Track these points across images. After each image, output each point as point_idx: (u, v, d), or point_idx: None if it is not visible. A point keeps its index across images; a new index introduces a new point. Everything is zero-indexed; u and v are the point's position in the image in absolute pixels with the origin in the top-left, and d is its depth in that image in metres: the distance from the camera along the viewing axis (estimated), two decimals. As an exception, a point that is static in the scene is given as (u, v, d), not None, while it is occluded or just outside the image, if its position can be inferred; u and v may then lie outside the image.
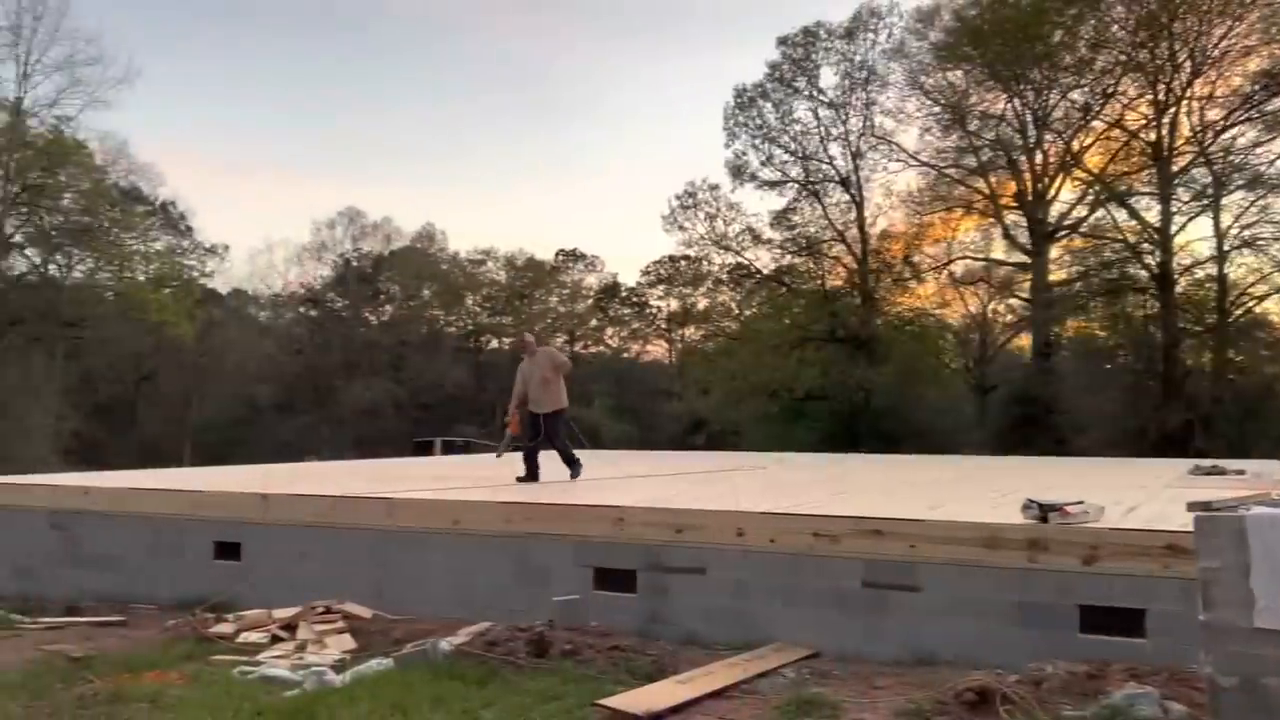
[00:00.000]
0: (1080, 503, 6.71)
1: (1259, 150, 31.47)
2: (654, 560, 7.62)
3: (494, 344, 58.56)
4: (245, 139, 73.74)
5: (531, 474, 11.14)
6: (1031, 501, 6.80)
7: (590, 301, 60.50)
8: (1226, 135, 32.11)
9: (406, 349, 53.50)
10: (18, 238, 38.00)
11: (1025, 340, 40.58)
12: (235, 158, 74.16)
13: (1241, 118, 31.76)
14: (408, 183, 75.86)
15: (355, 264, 56.01)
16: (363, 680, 6.21)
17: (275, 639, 7.64)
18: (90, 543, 10.24)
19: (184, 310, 39.47)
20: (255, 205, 74.30)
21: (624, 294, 61.41)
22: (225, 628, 7.90)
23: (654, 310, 61.41)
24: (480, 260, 58.44)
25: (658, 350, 62.80)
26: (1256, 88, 31.21)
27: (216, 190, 73.96)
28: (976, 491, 9.86)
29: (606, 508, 8.02)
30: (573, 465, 11.22)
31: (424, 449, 27.57)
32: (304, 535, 9.15)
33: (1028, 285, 37.76)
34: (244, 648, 7.45)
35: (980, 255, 40.39)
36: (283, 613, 8.03)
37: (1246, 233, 31.61)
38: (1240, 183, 31.37)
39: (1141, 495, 9.11)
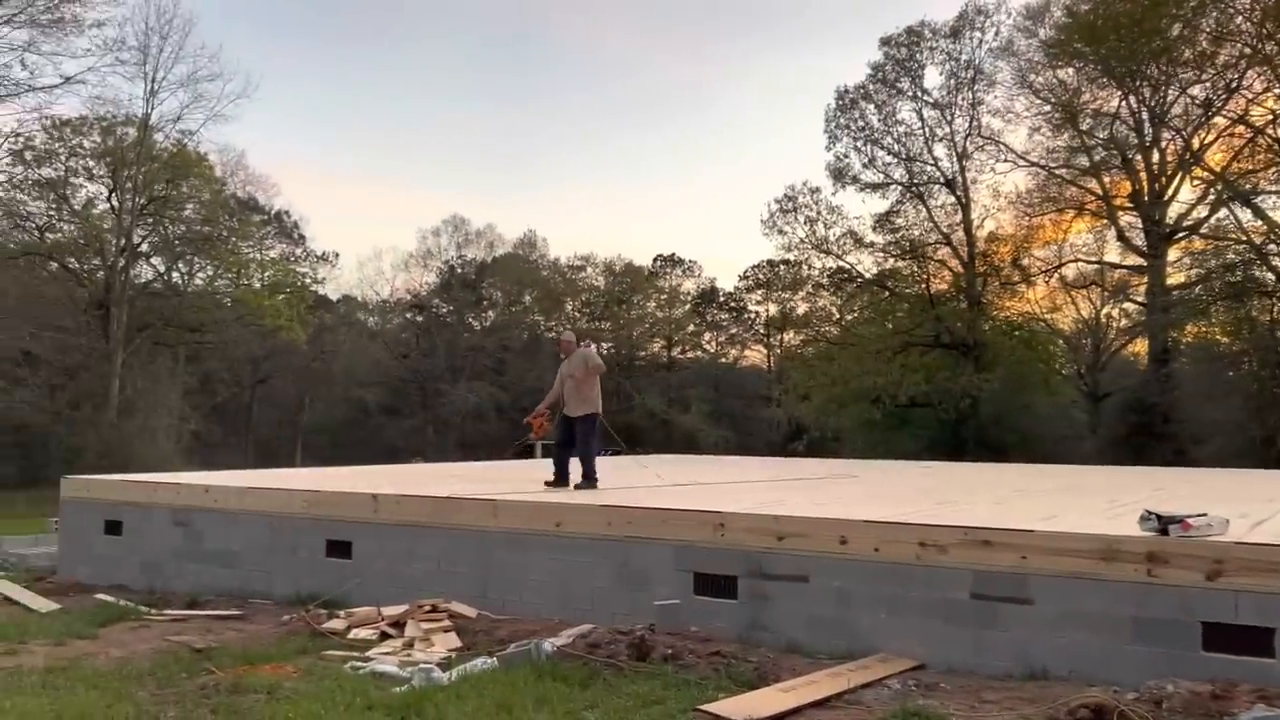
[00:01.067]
0: (1203, 515, 6.43)
1: (1399, 145, 29.65)
2: (755, 567, 7.58)
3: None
4: (355, 149, 76.14)
5: (561, 478, 10.81)
6: (1150, 513, 6.55)
7: (688, 306, 60.57)
8: (1362, 130, 30.35)
9: (508, 353, 54.44)
10: (144, 247, 39.98)
11: (1141, 346, 39.07)
12: (345, 168, 76.67)
13: (1380, 111, 29.98)
14: (511, 190, 77.24)
15: (459, 270, 57.30)
16: (468, 678, 6.33)
17: (384, 636, 7.85)
18: (210, 539, 10.69)
19: (297, 315, 40.90)
20: (365, 214, 76.67)
21: (722, 299, 61.31)
22: (337, 624, 8.15)
23: (752, 315, 61.17)
24: (579, 266, 59.17)
25: (756, 356, 62.51)
26: (1396, 79, 29.43)
27: (328, 200, 76.52)
28: (1090, 502, 9.52)
29: (707, 513, 8.00)
30: (588, 477, 10.58)
31: (526, 452, 27.96)
32: (411, 535, 9.38)
33: (1144, 289, 36.34)
34: (354, 643, 7.67)
35: (1093, 258, 39.06)
36: (391, 610, 8.25)
37: (1384, 232, 29.80)
38: (1378, 179, 29.60)
39: (1269, 509, 8.67)
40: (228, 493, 10.81)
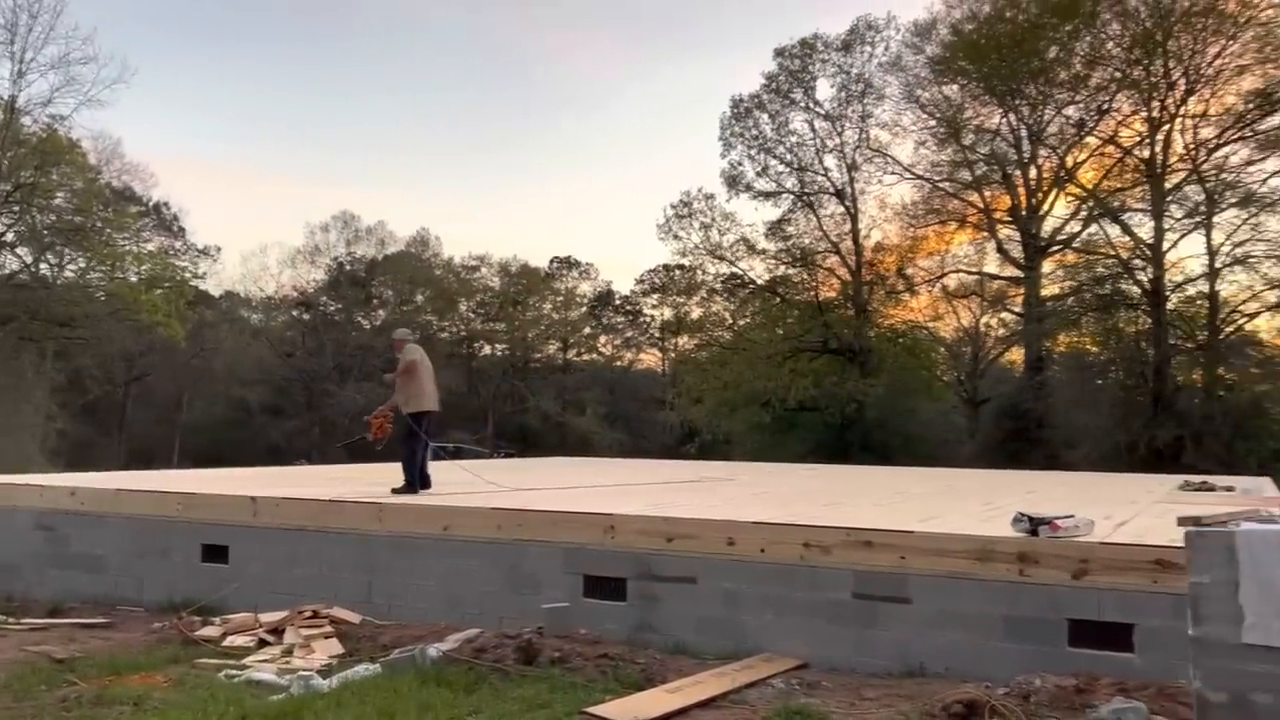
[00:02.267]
0: (1070, 517, 6.72)
1: (1251, 169, 31.59)
2: (644, 569, 7.60)
3: (486, 350, 58.56)
4: (240, 142, 73.75)
5: (411, 484, 10.19)
6: (1022, 515, 6.81)
7: (584, 309, 60.55)
8: (1219, 153, 32.26)
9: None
10: (9, 236, 37.90)
11: (1017, 354, 40.70)
12: (230, 160, 74.17)
13: (1234, 136, 31.89)
14: (403, 188, 75.91)
15: (349, 268, 55.99)
16: (350, 685, 6.17)
17: (262, 643, 7.60)
18: (76, 543, 10.18)
19: (175, 311, 39.33)
20: (250, 209, 74.31)
21: (618, 302, 61.51)
22: (211, 631, 7.86)
23: (647, 319, 61.53)
24: (474, 266, 58.52)
25: (651, 359, 62.91)
26: (1250, 106, 31.37)
27: (211, 193, 73.94)
28: (967, 504, 9.86)
29: (598, 515, 8.00)
30: (406, 484, 10.11)
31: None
32: (293, 538, 9.11)
33: (1020, 299, 37.86)
34: (230, 651, 7.41)
35: (973, 269, 40.51)
36: (270, 616, 7.99)
37: (1238, 250, 31.72)
38: (1233, 200, 31.48)
39: (1131, 510, 9.13)
40: (96, 495, 10.32)
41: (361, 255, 56.59)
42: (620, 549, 7.72)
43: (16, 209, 36.54)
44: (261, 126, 73.58)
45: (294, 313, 55.89)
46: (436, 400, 10.66)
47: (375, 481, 11.47)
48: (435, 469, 10.87)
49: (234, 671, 6.70)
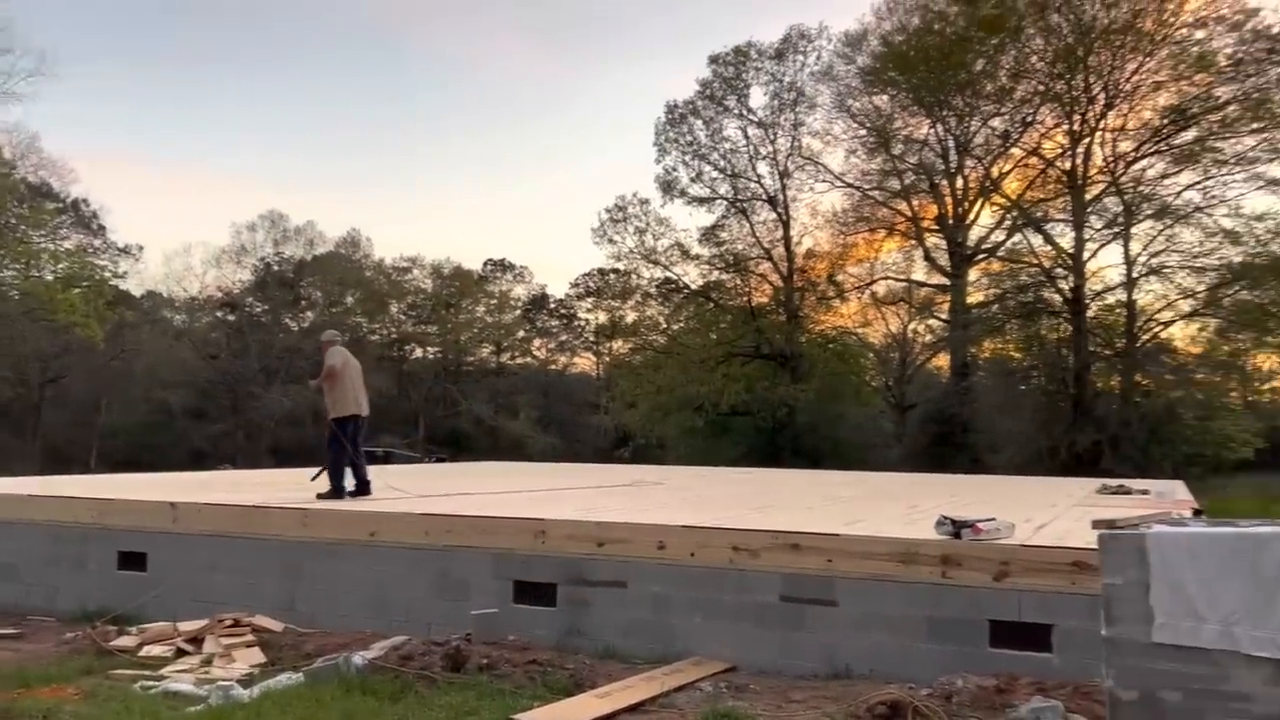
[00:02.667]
0: (992, 520, 6.86)
1: (1167, 182, 32.79)
2: (575, 574, 7.57)
3: (418, 353, 57.91)
4: (167, 140, 71.93)
5: (337, 490, 10.02)
6: (945, 518, 6.94)
7: (518, 312, 60.21)
8: (1137, 166, 33.38)
9: (328, 356, 52.38)
10: (-84, 232, 36.46)
11: (944, 360, 41.56)
12: (155, 159, 72.29)
13: (1151, 150, 33.02)
14: (334, 189, 74.75)
15: (276, 268, 54.88)
16: (271, 695, 6.04)
17: (180, 653, 7.39)
18: (-15, 551, 9.81)
19: (94, 311, 38.15)
20: (175, 207, 72.50)
21: (552, 305, 61.31)
22: (127, 641, 7.62)
23: (582, 323, 61.44)
24: (405, 268, 57.82)
25: (585, 363, 62.81)
26: (1165, 122, 32.50)
27: (134, 190, 71.99)
28: (894, 508, 10.02)
29: (529, 520, 7.95)
30: (331, 489, 9.99)
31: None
32: (214, 545, 8.89)
33: (947, 306, 38.66)
34: (146, 662, 7.20)
35: (902, 276, 41.26)
36: (189, 625, 7.78)
37: (1154, 260, 32.84)
38: (1149, 212, 32.58)
39: (1051, 513, 9.36)
40: (6, 501, 9.95)
41: (290, 256, 55.55)
42: (551, 554, 7.69)
43: (-76, 204, 35.17)
44: (189, 125, 71.91)
45: (219, 314, 54.60)
46: (364, 404, 10.49)
47: (302, 487, 11.25)
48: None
49: (150, 682, 6.51)
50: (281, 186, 77.90)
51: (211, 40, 70.98)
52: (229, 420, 49.64)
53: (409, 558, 8.15)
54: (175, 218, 76.57)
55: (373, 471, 10.95)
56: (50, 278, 38.48)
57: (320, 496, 9.89)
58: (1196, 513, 7.92)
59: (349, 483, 10.24)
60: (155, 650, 7.43)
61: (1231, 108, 31.07)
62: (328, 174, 74.63)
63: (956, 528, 6.73)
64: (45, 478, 14.78)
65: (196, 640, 7.54)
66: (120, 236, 49.84)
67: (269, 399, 47.64)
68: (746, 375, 37.75)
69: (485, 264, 59.93)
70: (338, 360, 10.23)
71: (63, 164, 42.55)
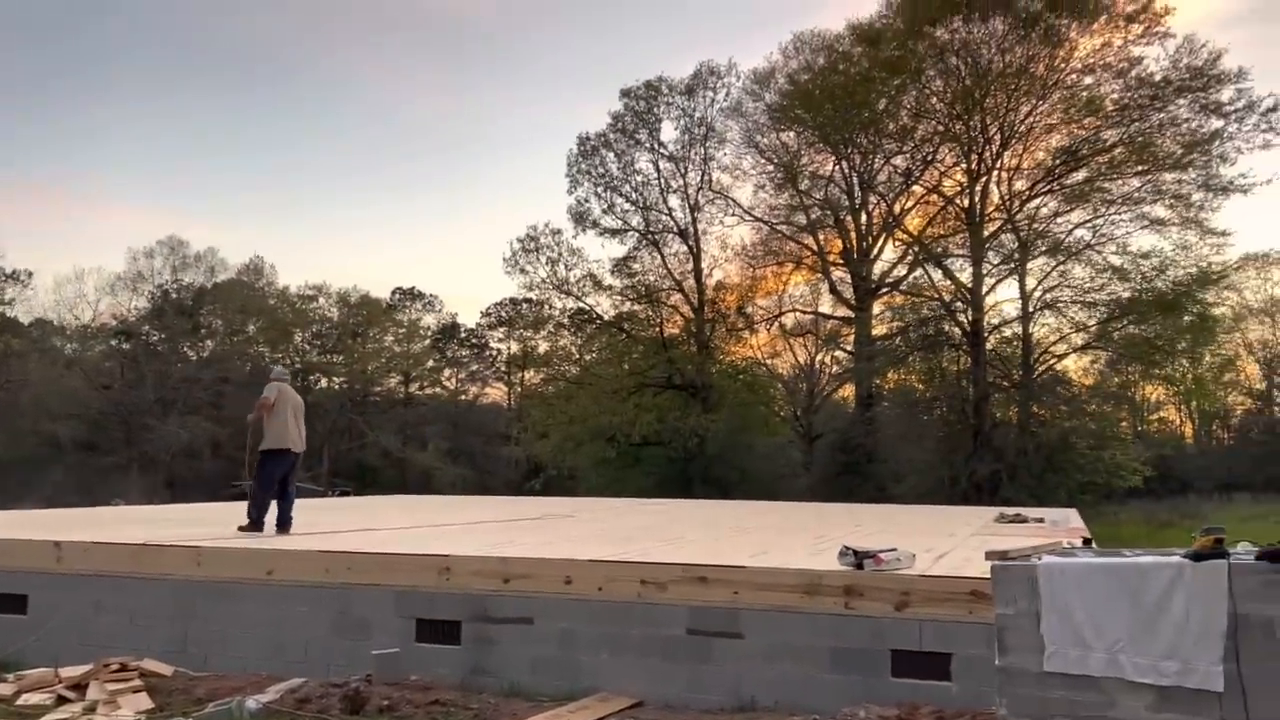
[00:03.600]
0: (893, 550, 6.98)
1: (1059, 219, 34.16)
2: (480, 610, 7.45)
3: (323, 383, 56.67)
4: (57, 160, 69.36)
5: (257, 523, 10.11)
6: (847, 549, 7.04)
7: (427, 342, 59.46)
8: (1031, 205, 34.73)
9: (228, 386, 50.95)
10: None
11: (850, 391, 42.41)
12: (45, 179, 69.61)
13: (1044, 189, 34.41)
14: (237, 216, 72.98)
15: (175, 296, 53.21)
16: (158, 744, 5.78)
17: (61, 700, 7.03)
18: None
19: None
20: (66, 231, 69.83)
21: (463, 335, 60.72)
22: (4, 689, 7.22)
23: (494, 352, 60.98)
24: (311, 296, 56.67)
25: (497, 394, 62.27)
26: (1057, 162, 33.92)
27: (21, 213, 69.16)
28: (800, 538, 10.14)
29: (433, 557, 7.80)
30: (250, 521, 10.09)
31: (242, 493, 26.23)
32: (102, 586, 8.50)
33: (852, 338, 39.50)
34: (25, 711, 6.82)
35: (809, 309, 42.06)
36: (71, 671, 7.41)
37: (1048, 295, 34.14)
38: (1043, 249, 33.87)
39: (950, 542, 9.58)
40: (-127, 542, 9.36)
41: (189, 283, 53.93)
42: (455, 591, 7.55)
43: None
44: (86, 149, 69.47)
45: (112, 342, 52.61)
46: (299, 440, 10.44)
47: (197, 522, 10.87)
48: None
49: (27, 734, 6.17)
50: (183, 214, 75.85)
51: (106, 64, 68.91)
52: (122, 453, 47.74)
53: (308, 596, 7.92)
54: (69, 245, 73.79)
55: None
56: (-71, 304, 36.67)
57: (241, 529, 9.71)
58: (1086, 542, 8.19)
59: (271, 517, 10.15)
60: (34, 698, 7.05)
61: (1118, 150, 32.62)
62: (231, 203, 73.01)
63: (859, 558, 6.83)
64: (-82, 516, 13.96)
65: (80, 686, 7.18)
66: (8, 262, 47.83)
67: (165, 430, 46.02)
68: (658, 405, 37.91)
69: (394, 292, 59.17)
70: (271, 393, 10.30)
71: (-54, 186, 40.75)
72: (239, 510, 14.49)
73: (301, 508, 13.36)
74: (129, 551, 8.65)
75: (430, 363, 59.41)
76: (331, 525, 10.77)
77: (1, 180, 67.44)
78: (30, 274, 48.51)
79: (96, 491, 38.99)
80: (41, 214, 69.80)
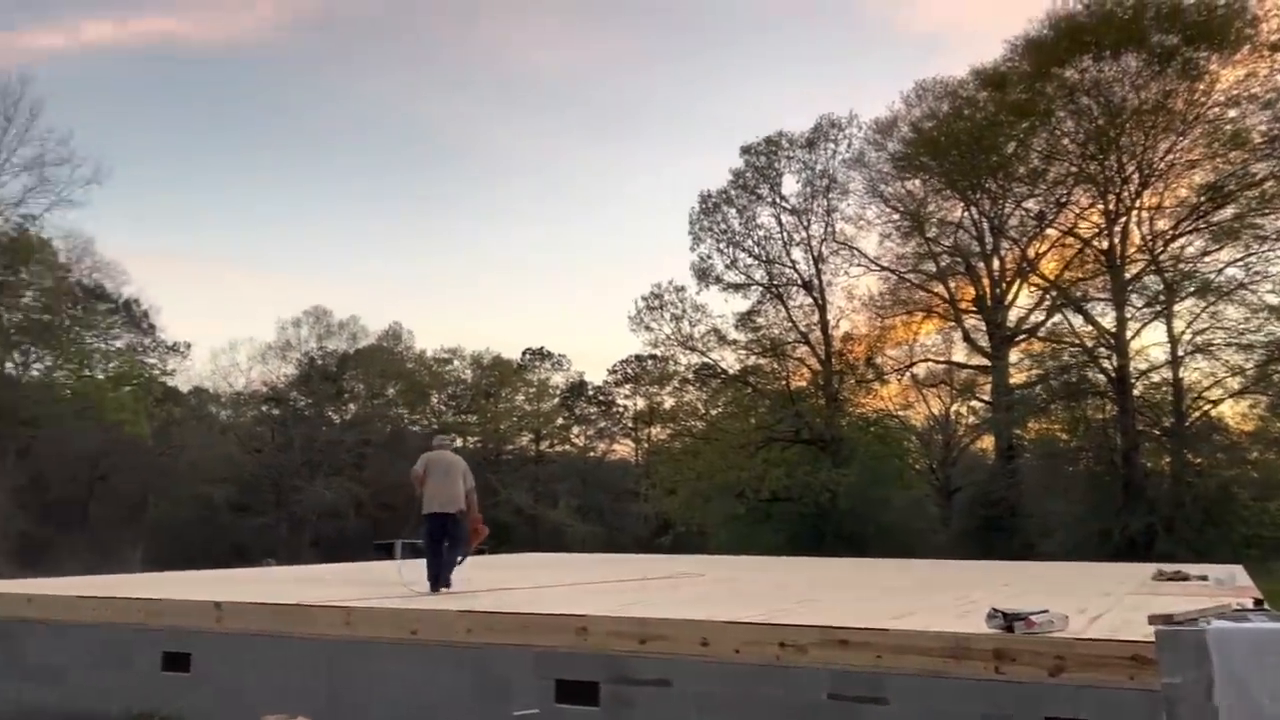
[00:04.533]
0: (1045, 611, 6.68)
1: (1207, 258, 32.55)
2: (618, 672, 7.45)
3: (459, 442, 58.18)
4: (214, 239, 74.01)
5: (432, 585, 10.75)
6: (996, 611, 6.77)
7: (556, 400, 60.48)
8: (1176, 244, 33.22)
9: (369, 448, 52.91)
10: (-24, 335, 37.63)
11: (988, 442, 40.98)
12: (203, 257, 74.28)
13: (1189, 228, 32.89)
14: (375, 282, 76.22)
15: (320, 362, 55.75)
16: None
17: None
18: (34, 654, 9.86)
19: (141, 409, 38.93)
20: (221, 304, 74.22)
21: (590, 393, 61.51)
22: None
23: (620, 409, 61.50)
24: (446, 359, 58.49)
25: (624, 449, 62.66)
26: (1202, 199, 32.41)
27: (182, 288, 73.88)
28: (943, 598, 9.80)
29: (569, 617, 7.86)
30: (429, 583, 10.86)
31: (385, 552, 27.01)
32: (257, 645, 8.87)
33: (989, 388, 38.28)
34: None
35: (941, 358, 41.04)
36: (232, 728, 7.73)
37: (1199, 338, 32.43)
38: (1191, 290, 32.28)
39: (1105, 602, 9.10)
40: (54, 602, 10.03)
41: (333, 350, 56.46)
42: (593, 652, 7.58)
43: (-16, 307, 36.40)
44: (235, 224, 73.99)
45: (263, 408, 55.37)
46: (441, 502, 10.89)
47: (345, 582, 11.26)
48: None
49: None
50: (327, 281, 79.68)
51: (253, 139, 73.45)
52: (272, 514, 49.94)
53: (450, 656, 8.08)
54: (222, 315, 78.32)
55: (409, 566, 11.20)
56: (101, 377, 39.41)
57: (419, 592, 10.35)
58: (1258, 603, 7.66)
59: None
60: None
61: (1269, 184, 30.96)
62: (370, 269, 76.18)
63: (1008, 620, 6.56)
64: (92, 577, 14.90)
65: (239, 744, 7.48)
66: (169, 334, 51.02)
67: (311, 492, 47.95)
68: (787, 460, 37.44)
69: (524, 353, 60.53)
70: (419, 466, 11.09)
71: (115, 265, 43.89)
72: (383, 569, 14.94)
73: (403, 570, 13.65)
74: (282, 612, 9.01)
75: (559, 420, 60.35)
76: (471, 584, 10.99)
77: (162, 257, 72.30)
78: (189, 345, 51.64)
79: (249, 551, 40.82)
80: (198, 287, 74.37)
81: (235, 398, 55.05)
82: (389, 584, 11.50)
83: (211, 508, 48.26)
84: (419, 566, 11.13)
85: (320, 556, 37.44)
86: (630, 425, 61.20)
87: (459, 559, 11.11)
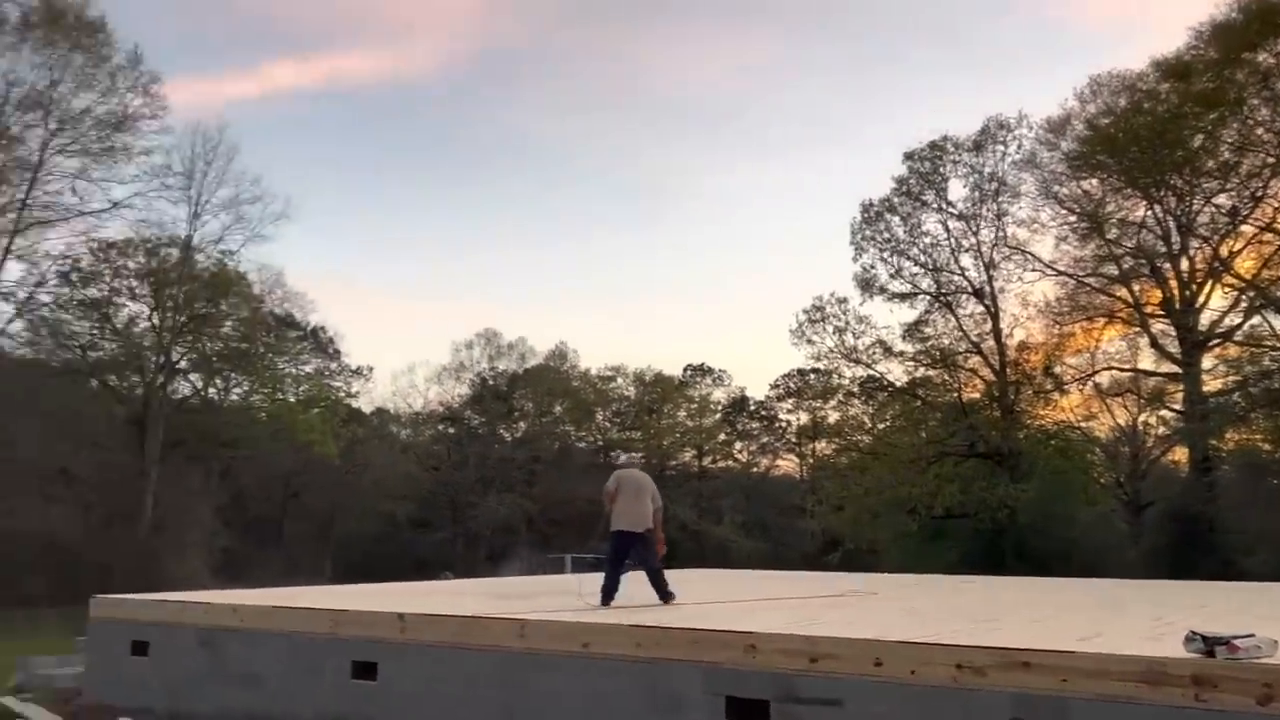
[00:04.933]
0: (1250, 636, 6.20)
1: None
2: (788, 690, 7.36)
3: (623, 459, 58.94)
4: (390, 265, 77.85)
5: (603, 597, 10.97)
6: (1195, 634, 6.33)
7: (718, 415, 60.55)
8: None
9: (538, 464, 54.40)
10: (183, 364, 40.84)
11: (1182, 454, 38.39)
12: (380, 283, 78.24)
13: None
14: (542, 302, 78.38)
15: (491, 383, 57.79)
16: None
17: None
18: (235, 660, 10.57)
19: (329, 430, 41.29)
20: (399, 328, 77.96)
21: (752, 408, 61.24)
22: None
23: (783, 424, 60.95)
24: (610, 376, 59.59)
25: (788, 465, 62.03)
26: None
27: (363, 314, 77.95)
28: (1133, 620, 9.23)
29: (738, 633, 7.82)
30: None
31: (556, 566, 27.66)
32: (437, 656, 9.23)
33: (1180, 396, 35.90)
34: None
35: (1127, 366, 38.78)
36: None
37: None
38: None
39: (1322, 627, 8.35)
40: (254, 612, 10.73)
41: (503, 370, 58.44)
42: (762, 669, 7.52)
43: (190, 338, 39.44)
44: (409, 251, 77.67)
45: (440, 427, 57.80)
46: (630, 521, 11.02)
47: (519, 595, 11.58)
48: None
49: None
50: (496, 304, 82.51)
51: (423, 168, 76.86)
52: (449, 529, 51.94)
53: (621, 670, 8.17)
54: (400, 338, 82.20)
55: (579, 579, 11.42)
56: (292, 400, 42.04)
57: (593, 605, 10.54)
58: None
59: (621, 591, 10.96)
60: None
61: None
62: (536, 290, 78.50)
63: (1209, 645, 6.12)
64: (284, 589, 15.85)
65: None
66: (353, 359, 53.96)
67: (485, 507, 49.62)
68: (961, 475, 36.10)
69: (685, 369, 60.88)
70: (611, 484, 11.27)
71: (303, 295, 46.81)
72: (555, 583, 15.30)
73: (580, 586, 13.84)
74: (461, 623, 9.34)
75: (722, 436, 60.38)
76: (641, 598, 11.09)
77: (344, 286, 76.52)
78: (371, 369, 54.46)
79: (429, 565, 42.56)
80: (378, 313, 78.31)
81: (414, 417, 57.73)
82: (560, 596, 11.75)
83: (394, 524, 50.64)
84: (596, 580, 11.32)
85: (494, 570, 38.63)
86: (794, 440, 60.54)
87: (658, 569, 11.23)
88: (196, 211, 37.83)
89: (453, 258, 78.14)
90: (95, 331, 38.59)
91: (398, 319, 78.94)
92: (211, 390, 43.78)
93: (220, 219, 38.92)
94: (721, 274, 79.57)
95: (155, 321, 38.36)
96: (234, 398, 43.67)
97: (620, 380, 59.63)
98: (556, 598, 11.73)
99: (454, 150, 75.68)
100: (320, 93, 69.22)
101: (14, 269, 34.43)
